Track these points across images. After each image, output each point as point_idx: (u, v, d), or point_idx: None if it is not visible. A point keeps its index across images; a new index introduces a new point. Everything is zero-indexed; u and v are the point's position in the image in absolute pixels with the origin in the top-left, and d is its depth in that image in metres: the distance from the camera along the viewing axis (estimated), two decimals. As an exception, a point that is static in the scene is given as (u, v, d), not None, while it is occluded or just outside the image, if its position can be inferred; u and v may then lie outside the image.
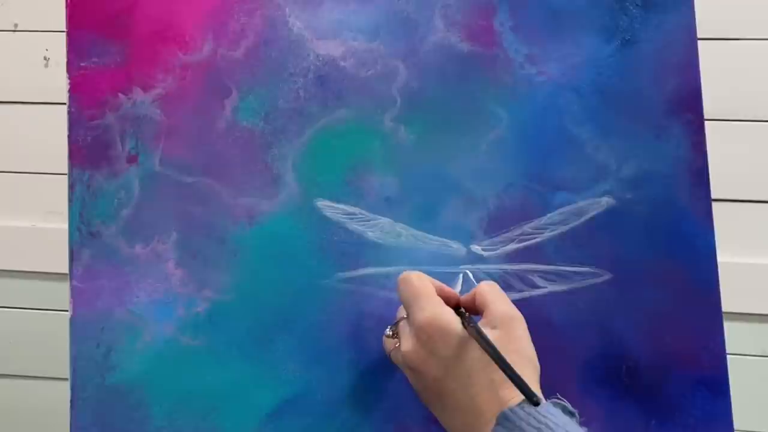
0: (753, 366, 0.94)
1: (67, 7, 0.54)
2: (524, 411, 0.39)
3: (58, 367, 0.98)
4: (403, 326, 0.46)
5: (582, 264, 0.52)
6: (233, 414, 0.50)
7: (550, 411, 0.39)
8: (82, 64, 0.53)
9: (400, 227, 0.52)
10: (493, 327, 0.44)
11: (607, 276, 0.52)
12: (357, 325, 0.51)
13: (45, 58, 1.01)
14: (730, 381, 0.51)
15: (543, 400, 0.40)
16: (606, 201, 0.53)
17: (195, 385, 0.50)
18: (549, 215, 0.53)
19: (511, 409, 0.39)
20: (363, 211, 0.52)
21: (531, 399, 0.38)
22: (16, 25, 1.02)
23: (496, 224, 0.53)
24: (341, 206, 0.52)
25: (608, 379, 0.51)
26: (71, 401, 0.50)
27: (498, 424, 0.39)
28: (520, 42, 0.54)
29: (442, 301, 0.45)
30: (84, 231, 0.52)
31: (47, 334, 1.02)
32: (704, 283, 0.52)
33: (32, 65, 1.01)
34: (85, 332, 0.51)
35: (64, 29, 0.54)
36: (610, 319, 0.52)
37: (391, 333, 0.47)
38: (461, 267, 0.52)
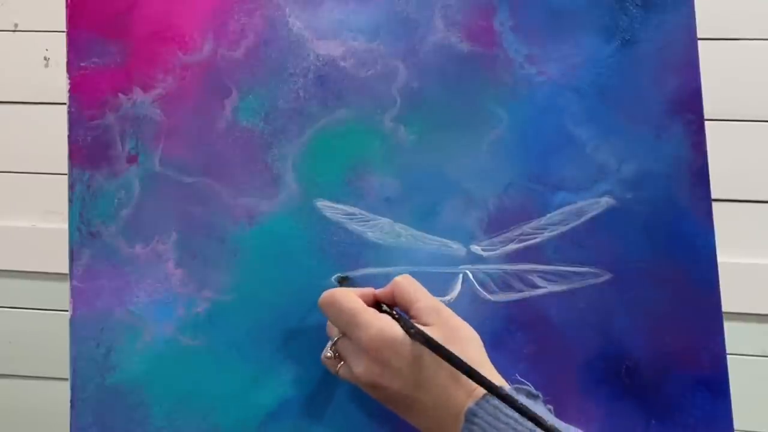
0: (753, 366, 0.94)
1: (67, 7, 0.54)
2: (490, 404, 0.39)
3: (58, 367, 0.98)
4: (345, 345, 0.45)
5: (582, 264, 0.52)
6: (233, 414, 0.50)
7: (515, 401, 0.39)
8: (82, 64, 0.53)
9: (399, 227, 0.52)
10: (426, 323, 0.44)
11: (607, 276, 0.52)
12: (357, 325, 0.51)
13: (45, 58, 1.01)
14: (730, 381, 0.51)
15: (507, 386, 0.40)
16: (606, 201, 0.53)
17: (195, 385, 0.50)
18: (549, 215, 0.53)
19: (477, 404, 0.39)
20: (363, 212, 0.52)
21: (495, 392, 0.38)
22: (16, 25, 1.02)
23: (496, 224, 0.53)
24: (341, 206, 0.52)
25: (608, 379, 0.51)
26: (71, 401, 0.50)
27: (467, 420, 0.40)
28: (520, 42, 0.54)
29: (376, 312, 0.45)
30: (84, 231, 0.52)
31: (47, 334, 1.02)
32: (704, 283, 0.52)
33: (32, 65, 1.01)
34: (85, 332, 0.51)
35: (64, 29, 0.54)
36: (610, 319, 0.52)
37: (331, 354, 0.47)
38: (461, 267, 0.52)
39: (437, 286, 0.52)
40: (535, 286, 0.52)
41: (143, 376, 0.50)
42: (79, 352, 0.51)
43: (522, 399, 0.39)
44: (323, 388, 0.50)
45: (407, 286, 0.47)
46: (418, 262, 0.52)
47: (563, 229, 0.52)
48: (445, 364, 0.41)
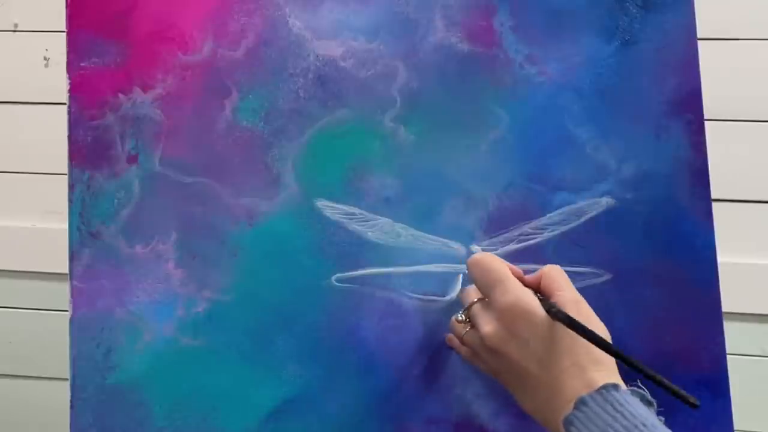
0: (753, 366, 0.94)
1: (67, 7, 0.54)
2: (602, 397, 0.39)
3: (58, 367, 0.98)
4: (479, 310, 0.46)
5: (582, 264, 0.52)
6: (233, 414, 0.50)
7: (628, 400, 0.40)
8: (82, 64, 0.53)
9: (399, 227, 0.52)
10: None
11: (607, 276, 0.52)
12: (357, 325, 0.51)
13: (45, 58, 1.01)
14: (730, 381, 0.51)
15: (623, 387, 0.40)
16: (606, 201, 0.53)
17: (195, 385, 0.50)
18: (549, 215, 0.53)
19: (590, 395, 0.40)
20: (363, 212, 0.52)
21: (633, 365, 0.39)
22: (16, 25, 1.01)
23: (496, 224, 0.53)
24: (341, 206, 0.52)
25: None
26: (71, 401, 0.50)
27: (575, 408, 0.40)
28: (520, 42, 0.54)
29: (521, 283, 0.45)
30: (84, 231, 0.52)
31: (47, 334, 1.01)
32: (704, 283, 0.52)
33: (32, 65, 1.01)
34: (85, 332, 0.51)
35: (64, 29, 0.54)
36: (610, 319, 0.51)
37: (462, 317, 0.48)
38: (461, 267, 0.52)
39: (437, 286, 0.52)
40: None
41: (143, 376, 0.50)
42: (79, 352, 0.51)
43: (636, 403, 0.40)
44: (323, 388, 0.50)
45: (555, 275, 0.46)
46: (418, 262, 0.52)
47: (563, 229, 0.52)
48: (573, 351, 0.42)
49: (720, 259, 0.52)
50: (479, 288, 0.47)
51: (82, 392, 0.50)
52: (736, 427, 0.50)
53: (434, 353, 0.51)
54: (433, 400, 0.51)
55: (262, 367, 0.51)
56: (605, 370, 0.41)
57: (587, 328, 0.41)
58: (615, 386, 0.40)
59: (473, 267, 0.47)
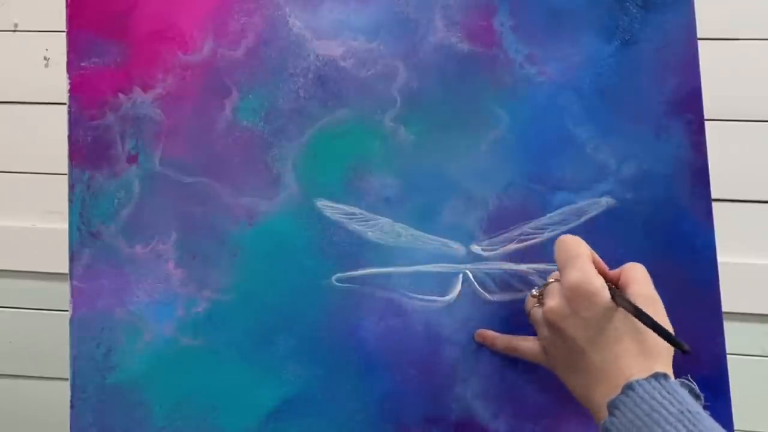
0: (753, 366, 0.94)
1: (67, 7, 0.54)
2: (651, 385, 0.40)
3: (58, 367, 0.98)
4: (552, 286, 0.47)
5: (582, 264, 0.52)
6: (233, 414, 0.50)
7: (676, 389, 0.40)
8: (82, 64, 0.53)
9: (399, 227, 0.52)
10: None
11: (607, 276, 0.52)
12: (357, 325, 0.51)
13: (45, 58, 1.01)
14: (730, 381, 0.51)
15: (672, 378, 0.41)
16: (606, 201, 0.53)
17: (195, 385, 0.50)
18: (549, 215, 0.53)
19: (638, 381, 0.40)
20: (363, 212, 0.52)
21: (682, 349, 0.40)
22: (16, 25, 1.01)
23: (496, 224, 0.53)
24: (341, 206, 0.52)
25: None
26: (71, 401, 0.50)
27: (622, 392, 0.40)
28: (520, 42, 0.54)
29: (594, 268, 0.45)
30: (84, 231, 0.52)
31: (47, 334, 1.01)
32: (704, 283, 0.52)
33: (32, 65, 1.01)
34: (85, 332, 0.51)
35: (64, 29, 0.54)
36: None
37: (537, 293, 0.49)
38: (461, 267, 0.52)
39: (437, 286, 0.52)
40: (536, 286, 0.52)
41: (143, 376, 0.50)
42: (79, 352, 0.51)
43: (684, 393, 0.40)
44: (323, 388, 0.50)
45: (634, 271, 0.47)
46: (418, 262, 0.52)
47: (563, 229, 0.52)
48: (629, 338, 0.43)
49: (720, 259, 0.52)
50: (558, 265, 0.47)
51: (82, 392, 0.50)
52: (736, 427, 0.50)
53: (434, 353, 0.51)
54: (433, 400, 0.51)
55: (262, 367, 0.51)
56: (660, 360, 0.42)
57: (647, 314, 0.42)
58: (665, 375, 0.41)
59: (557, 245, 0.48)
